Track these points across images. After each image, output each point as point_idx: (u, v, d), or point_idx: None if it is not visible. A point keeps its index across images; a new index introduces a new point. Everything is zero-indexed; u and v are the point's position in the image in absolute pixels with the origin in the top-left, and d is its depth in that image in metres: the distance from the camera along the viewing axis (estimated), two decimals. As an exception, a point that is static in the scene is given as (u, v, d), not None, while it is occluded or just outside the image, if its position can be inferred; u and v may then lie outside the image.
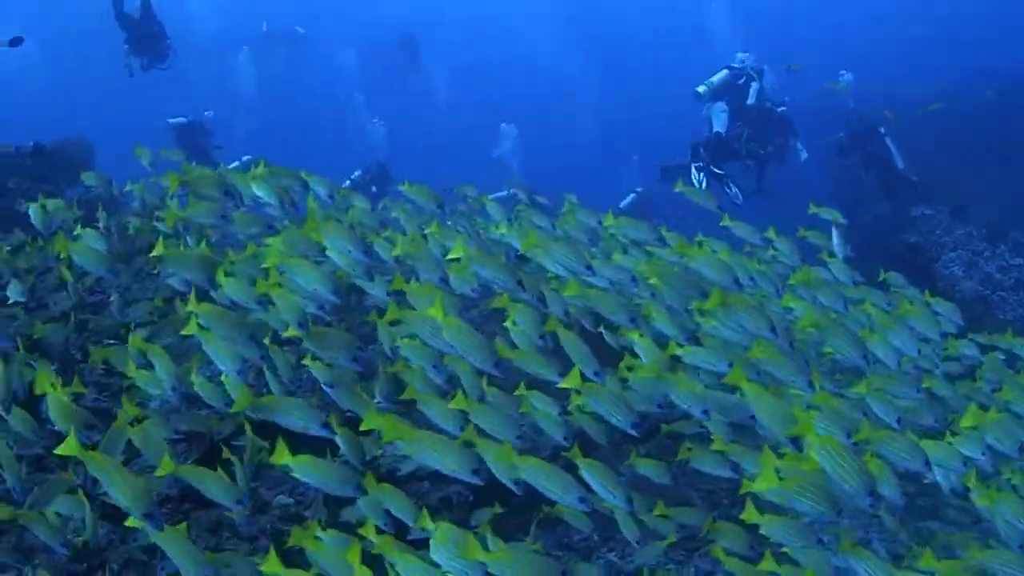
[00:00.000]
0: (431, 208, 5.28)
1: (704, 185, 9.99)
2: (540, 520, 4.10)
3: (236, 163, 10.48)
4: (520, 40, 27.51)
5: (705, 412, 3.38)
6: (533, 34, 27.55)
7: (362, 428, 3.31)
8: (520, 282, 3.56)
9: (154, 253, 4.03)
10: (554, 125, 22.89)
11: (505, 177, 12.36)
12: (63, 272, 5.33)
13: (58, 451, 2.90)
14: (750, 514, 3.43)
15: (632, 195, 13.06)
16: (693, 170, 9.87)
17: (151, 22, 11.17)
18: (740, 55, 10.33)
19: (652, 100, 21.15)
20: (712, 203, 5.47)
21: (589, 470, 3.36)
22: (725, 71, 10.14)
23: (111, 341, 5.30)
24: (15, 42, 10.41)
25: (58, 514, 3.54)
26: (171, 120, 11.92)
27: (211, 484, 3.06)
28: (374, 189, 11.35)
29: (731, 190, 9.84)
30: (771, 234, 5.14)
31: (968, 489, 3.81)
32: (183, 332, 3.59)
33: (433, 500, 4.45)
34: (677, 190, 5.61)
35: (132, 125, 13.43)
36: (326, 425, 3.17)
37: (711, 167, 9.90)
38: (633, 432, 3.53)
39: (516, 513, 4.04)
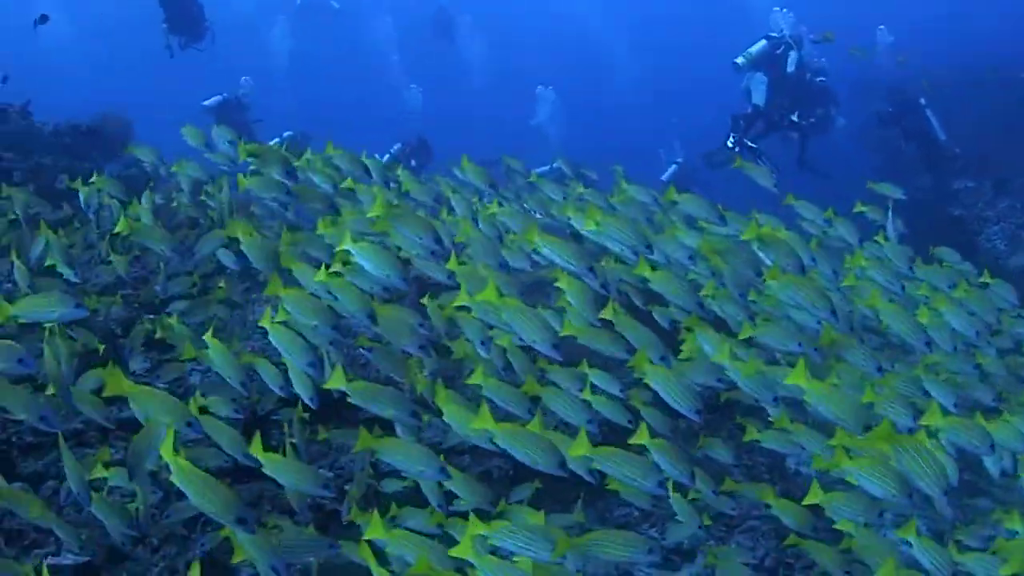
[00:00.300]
0: (484, 188, 5.27)
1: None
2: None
3: (276, 139, 10.51)
4: (558, 11, 27.11)
5: (776, 400, 3.39)
6: (571, 5, 27.11)
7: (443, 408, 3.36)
8: (592, 268, 3.58)
9: (227, 232, 4.08)
10: (592, 94, 22.58)
11: (543, 146, 12.25)
12: (107, 248, 5.43)
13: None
14: (815, 494, 3.46)
15: (673, 166, 12.97)
16: (729, 142, 9.86)
17: (191, 3, 11.21)
18: (776, 11, 10.24)
19: (692, 68, 20.79)
20: (770, 181, 5.44)
21: (659, 451, 3.36)
22: (763, 41, 10.05)
23: (151, 316, 5.41)
24: (42, 19, 10.48)
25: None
26: (206, 103, 11.86)
27: (295, 473, 3.09)
28: (413, 163, 11.31)
29: (767, 164, 9.79)
30: (830, 214, 5.11)
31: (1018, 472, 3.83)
32: (260, 323, 3.60)
33: (474, 474, 4.46)
34: (736, 167, 5.58)
35: (168, 103, 13.49)
36: (415, 414, 3.21)
37: (745, 140, 9.86)
38: (696, 419, 3.56)
39: (556, 487, 4.06)
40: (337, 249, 3.82)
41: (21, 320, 3.74)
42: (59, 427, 3.38)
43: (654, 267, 3.97)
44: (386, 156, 11.56)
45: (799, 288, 3.80)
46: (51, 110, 9.52)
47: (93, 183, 6.02)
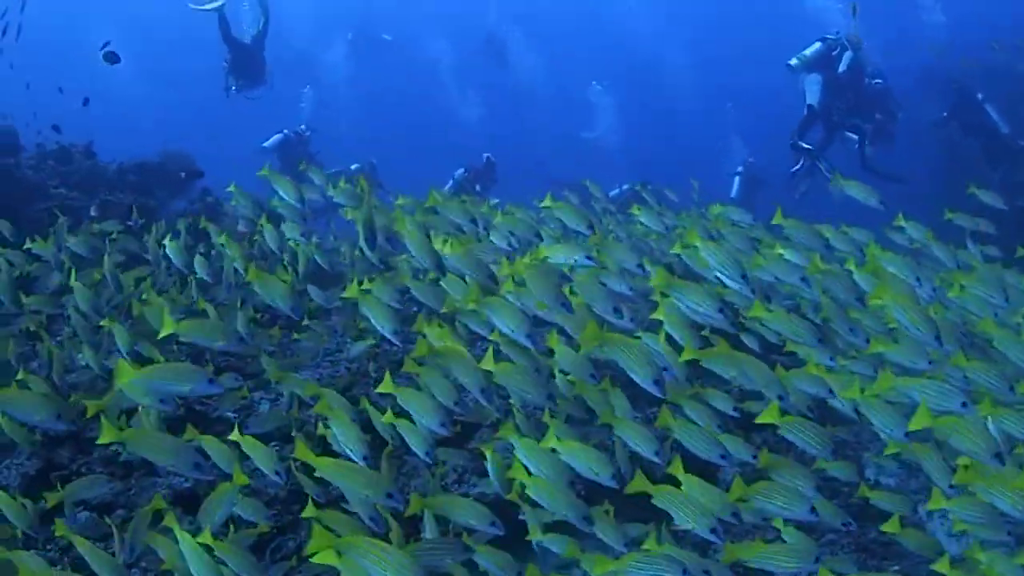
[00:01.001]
0: (582, 230, 5.27)
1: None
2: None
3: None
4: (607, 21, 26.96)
5: (907, 435, 3.46)
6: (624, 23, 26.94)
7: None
8: (722, 310, 3.69)
9: (352, 292, 4.25)
10: (645, 101, 22.38)
11: (602, 157, 12.08)
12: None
13: (310, 549, 2.66)
14: (937, 501, 3.52)
15: (736, 178, 13.04)
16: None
17: (260, 52, 11.44)
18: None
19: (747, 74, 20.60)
20: (875, 199, 5.37)
21: (784, 473, 3.42)
22: (819, 43, 10.07)
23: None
24: (113, 58, 10.75)
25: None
26: (265, 144, 12.01)
27: (464, 510, 3.23)
28: (478, 188, 11.36)
29: (824, 164, 9.82)
30: (928, 238, 5.10)
31: None
32: (380, 389, 3.68)
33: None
34: (833, 185, 5.56)
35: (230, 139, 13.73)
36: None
37: (799, 142, 9.89)
38: (831, 458, 3.66)
39: (627, 507, 3.95)
40: (466, 304, 3.95)
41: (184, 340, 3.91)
42: (211, 475, 3.42)
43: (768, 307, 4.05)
44: (449, 183, 11.64)
45: (910, 310, 3.86)
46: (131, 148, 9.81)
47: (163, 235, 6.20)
